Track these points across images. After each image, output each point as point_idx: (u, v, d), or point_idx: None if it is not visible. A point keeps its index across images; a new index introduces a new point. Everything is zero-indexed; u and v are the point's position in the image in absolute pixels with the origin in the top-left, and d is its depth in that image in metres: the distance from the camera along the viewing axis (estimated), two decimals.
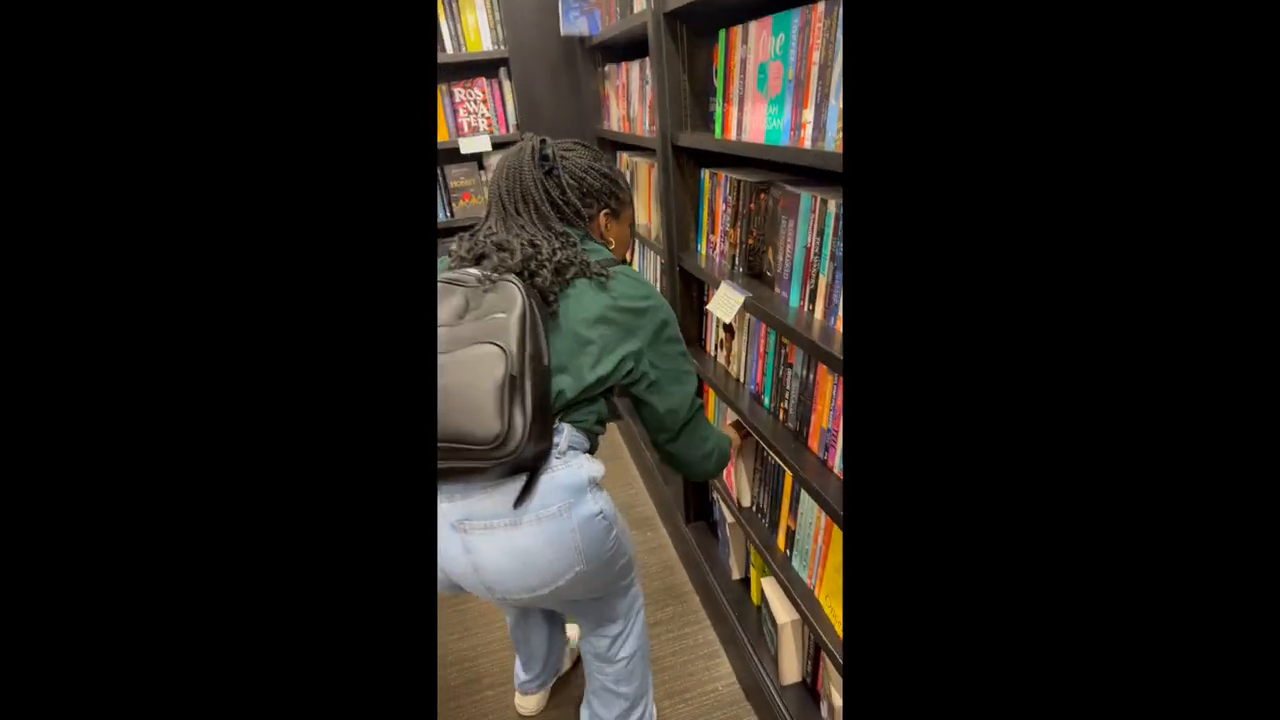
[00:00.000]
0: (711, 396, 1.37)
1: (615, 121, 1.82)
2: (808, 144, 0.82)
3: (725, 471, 1.29)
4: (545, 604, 0.88)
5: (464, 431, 0.69)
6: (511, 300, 0.72)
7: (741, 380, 1.17)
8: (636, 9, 1.33)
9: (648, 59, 1.30)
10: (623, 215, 0.92)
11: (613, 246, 0.91)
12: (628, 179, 1.76)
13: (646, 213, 1.63)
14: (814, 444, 0.93)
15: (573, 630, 1.36)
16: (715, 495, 1.42)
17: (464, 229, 0.88)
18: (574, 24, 1.77)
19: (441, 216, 2.10)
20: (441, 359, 0.70)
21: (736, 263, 1.12)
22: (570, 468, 0.77)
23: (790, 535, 1.06)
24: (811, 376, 0.91)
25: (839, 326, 0.81)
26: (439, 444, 0.70)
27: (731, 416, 1.18)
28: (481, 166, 2.10)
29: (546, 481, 0.76)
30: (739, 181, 1.07)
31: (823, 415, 0.90)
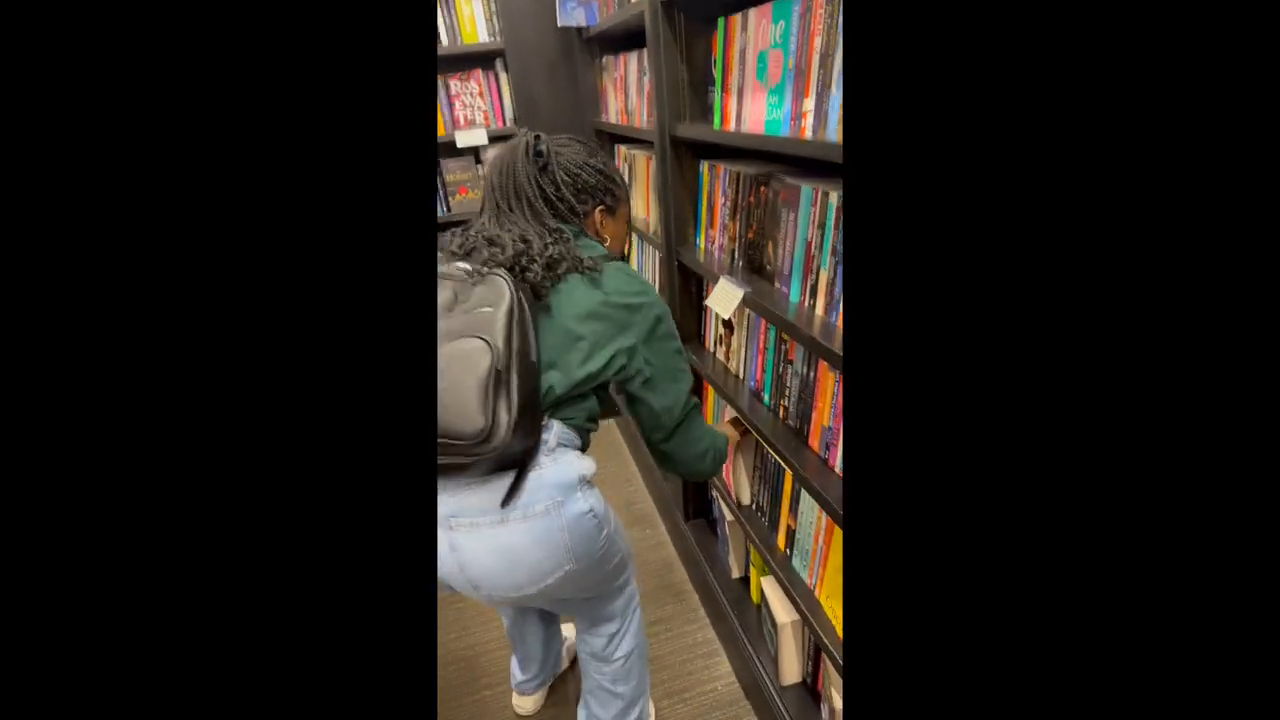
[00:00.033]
0: (710, 393, 1.35)
1: (613, 114, 1.80)
2: (809, 134, 0.80)
3: (724, 470, 1.27)
4: (535, 603, 0.87)
5: (448, 426, 0.68)
6: (500, 294, 0.71)
7: (741, 377, 1.15)
8: None
9: (646, 50, 1.28)
10: (618, 212, 0.92)
11: (608, 243, 0.91)
12: (626, 174, 1.75)
13: (645, 207, 1.61)
14: (814, 442, 0.91)
15: (569, 629, 1.35)
16: (714, 493, 1.41)
17: (460, 223, 0.87)
18: (571, 15, 1.75)
19: (438, 211, 2.08)
20: None
21: (736, 257, 1.10)
22: (559, 465, 0.76)
23: (790, 534, 1.04)
24: (812, 374, 0.89)
25: (840, 323, 0.79)
26: None
27: (730, 413, 1.16)
28: (478, 160, 2.08)
29: (534, 479, 0.75)
30: (738, 174, 1.05)
31: (824, 413, 0.88)
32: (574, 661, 1.32)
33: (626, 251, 1.89)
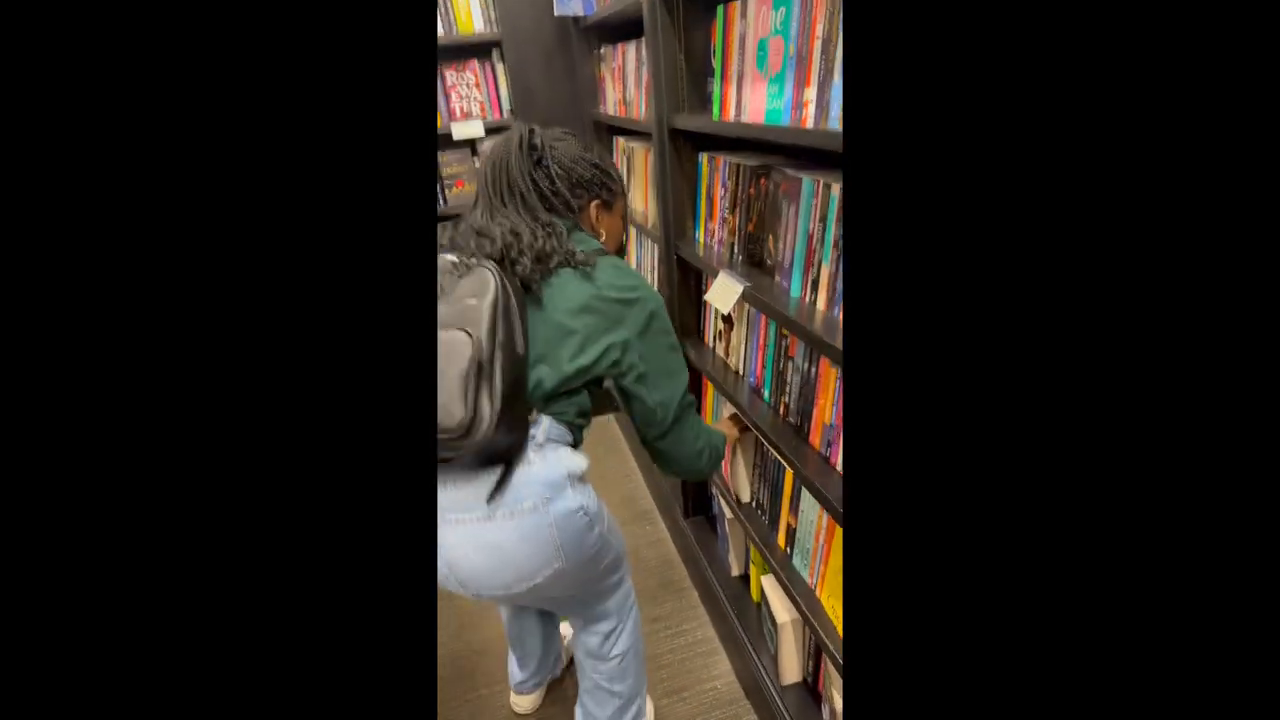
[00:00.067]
0: (710, 389, 1.34)
1: (611, 105, 1.77)
2: (810, 124, 0.77)
3: (723, 467, 1.25)
4: (526, 601, 0.86)
5: None
6: (484, 285, 0.70)
7: (741, 373, 1.13)
8: None
9: (644, 39, 1.25)
10: (614, 207, 0.90)
11: (604, 238, 0.89)
12: (624, 167, 1.73)
13: (643, 200, 1.58)
14: (815, 440, 0.89)
15: (567, 628, 1.34)
16: (714, 489, 1.39)
17: (455, 217, 0.85)
18: (568, 4, 1.72)
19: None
20: None
21: (736, 251, 1.08)
22: (548, 461, 0.75)
23: (791, 533, 1.03)
24: (813, 370, 0.88)
25: (843, 318, 0.77)
26: None
27: (729, 410, 1.14)
28: (475, 152, 2.05)
29: (522, 474, 0.73)
30: (738, 165, 1.02)
31: (825, 410, 0.86)
32: (571, 661, 1.31)
33: (625, 246, 1.87)
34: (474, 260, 0.74)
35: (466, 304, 0.69)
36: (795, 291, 0.88)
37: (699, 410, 1.38)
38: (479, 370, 0.67)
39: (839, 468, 0.83)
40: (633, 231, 1.74)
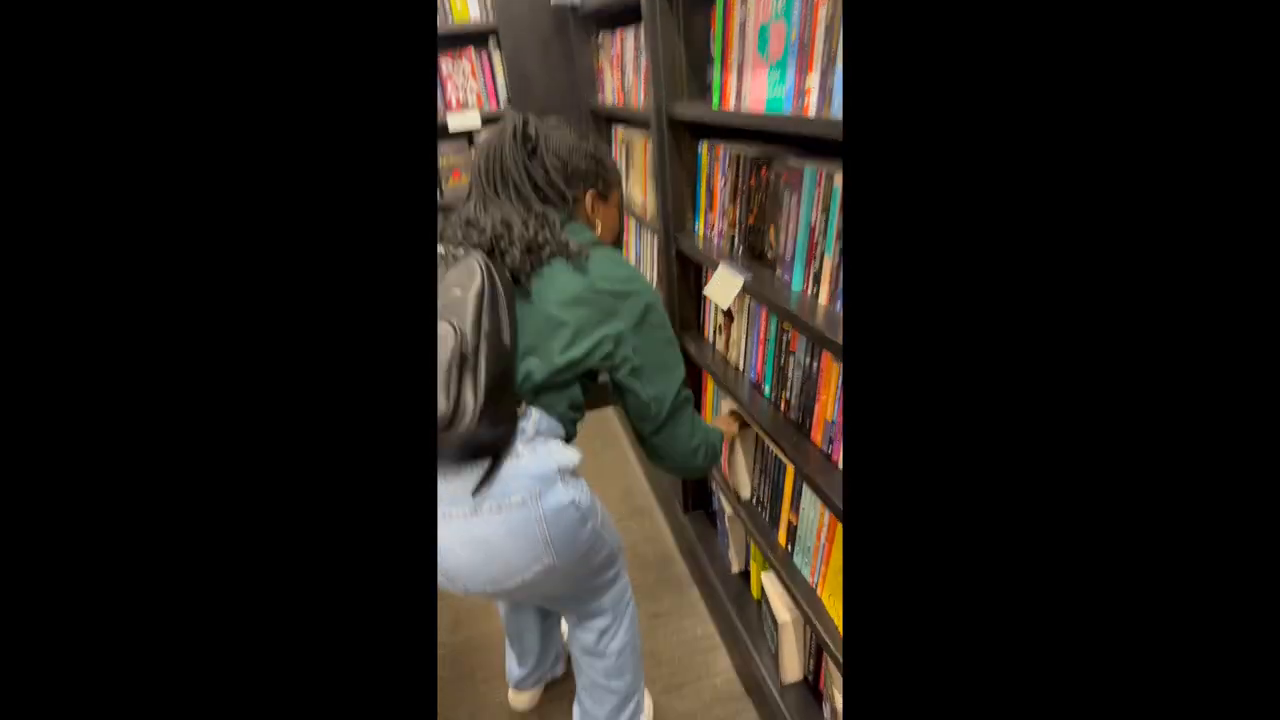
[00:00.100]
0: (709, 384, 1.32)
1: (610, 94, 1.74)
2: (812, 112, 0.75)
3: (722, 463, 1.24)
4: (516, 598, 0.85)
5: None
6: (471, 276, 0.69)
7: (741, 368, 1.11)
8: None
9: (642, 25, 1.22)
10: (610, 197, 0.88)
11: (600, 229, 0.88)
12: (623, 157, 1.70)
13: (642, 191, 1.56)
14: (817, 436, 0.87)
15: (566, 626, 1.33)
16: (714, 485, 1.37)
17: (449, 209, 0.83)
18: None
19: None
20: None
21: (736, 243, 1.06)
22: (538, 455, 0.73)
23: (792, 530, 1.01)
24: (815, 365, 0.86)
25: (842, 312, 0.75)
26: None
27: (728, 406, 1.12)
28: (471, 143, 2.02)
29: (510, 468, 0.72)
30: (738, 155, 1.00)
31: (827, 407, 0.84)
32: (569, 657, 1.30)
33: (622, 238, 1.85)
34: (461, 250, 0.73)
35: (452, 295, 0.68)
36: (797, 285, 0.86)
37: (698, 406, 1.36)
38: (462, 362, 0.66)
39: (841, 465, 0.82)
40: (631, 223, 1.72)
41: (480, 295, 0.68)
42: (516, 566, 0.75)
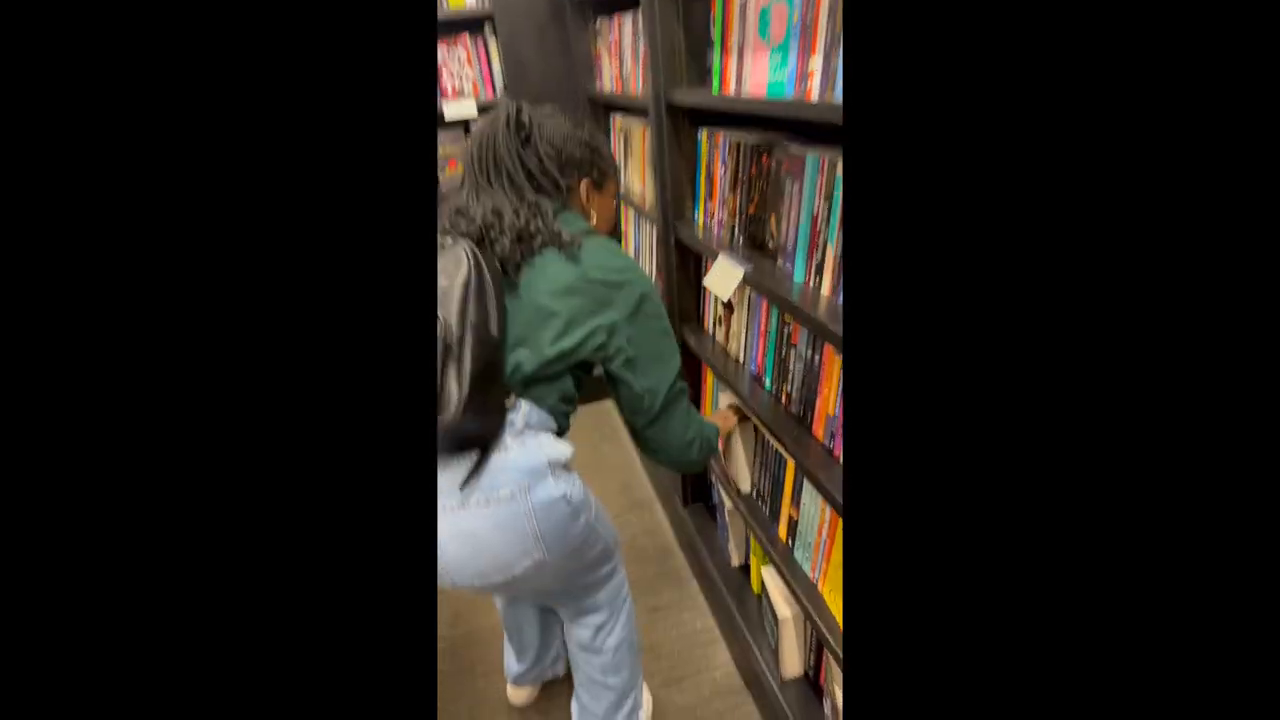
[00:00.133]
0: (709, 377, 1.30)
1: (608, 81, 1.71)
2: (815, 96, 0.73)
3: (721, 456, 1.22)
4: (507, 592, 0.84)
5: None
6: (458, 265, 0.68)
7: (741, 361, 1.09)
8: None
9: (640, 9, 1.19)
10: (606, 186, 0.87)
11: (595, 219, 0.86)
12: (621, 146, 1.67)
13: (640, 179, 1.53)
14: (818, 430, 0.86)
15: None
16: (713, 478, 1.36)
17: (445, 198, 0.82)
18: None
19: None
20: None
21: (736, 233, 1.03)
22: (527, 448, 0.72)
23: (792, 525, 1.00)
24: (817, 358, 0.84)
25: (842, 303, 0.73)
26: None
27: (727, 399, 1.11)
28: (467, 132, 2.00)
29: (499, 461, 0.70)
30: (739, 142, 0.97)
31: (829, 400, 0.82)
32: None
33: (618, 227, 1.82)
34: (449, 239, 0.71)
35: (438, 284, 0.67)
36: (799, 276, 0.84)
37: (697, 399, 1.35)
38: (446, 352, 0.65)
39: (843, 460, 0.80)
40: (629, 213, 1.69)
41: (466, 285, 0.67)
42: (505, 561, 0.74)
